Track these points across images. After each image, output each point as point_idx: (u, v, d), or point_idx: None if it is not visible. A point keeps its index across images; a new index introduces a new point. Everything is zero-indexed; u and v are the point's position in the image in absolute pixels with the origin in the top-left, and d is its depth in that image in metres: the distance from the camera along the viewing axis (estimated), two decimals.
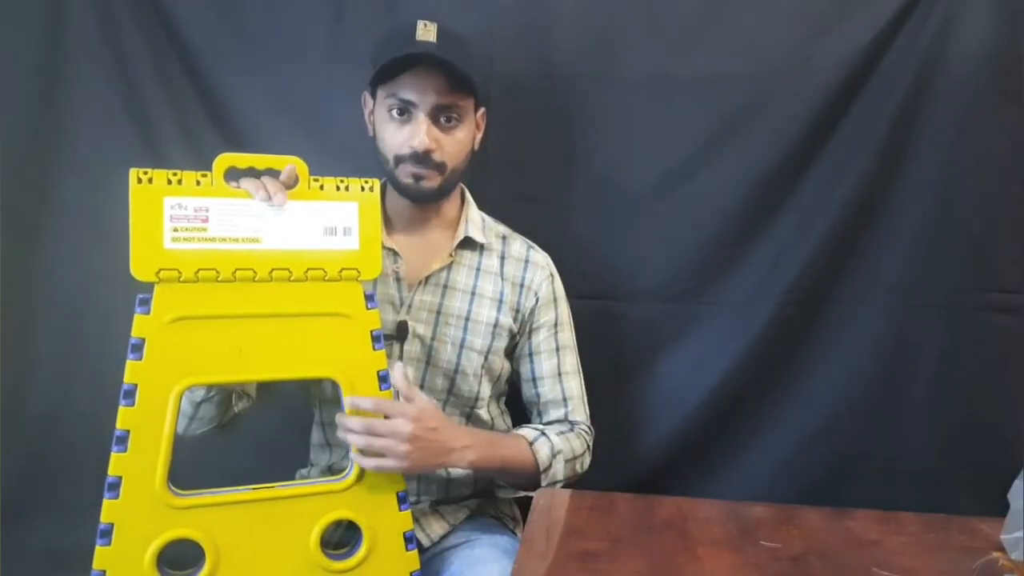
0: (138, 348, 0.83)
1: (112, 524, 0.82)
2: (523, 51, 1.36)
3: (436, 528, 1.14)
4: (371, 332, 0.93)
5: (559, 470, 1.12)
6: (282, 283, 0.88)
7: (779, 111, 1.33)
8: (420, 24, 1.08)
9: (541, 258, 1.22)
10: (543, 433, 1.13)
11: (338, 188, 0.94)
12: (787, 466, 1.39)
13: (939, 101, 1.31)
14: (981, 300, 1.34)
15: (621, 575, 0.82)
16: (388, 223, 1.16)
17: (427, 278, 1.14)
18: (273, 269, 0.88)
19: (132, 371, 0.83)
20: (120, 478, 0.82)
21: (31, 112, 1.36)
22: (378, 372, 0.93)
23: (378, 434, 0.92)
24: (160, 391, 0.84)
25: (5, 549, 1.33)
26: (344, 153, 1.34)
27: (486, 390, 1.18)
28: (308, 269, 0.89)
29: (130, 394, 0.83)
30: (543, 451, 1.11)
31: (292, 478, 1.17)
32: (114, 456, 0.82)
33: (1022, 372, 1.33)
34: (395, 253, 1.14)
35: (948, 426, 1.36)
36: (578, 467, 1.16)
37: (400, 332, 1.12)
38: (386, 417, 0.93)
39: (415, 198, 1.13)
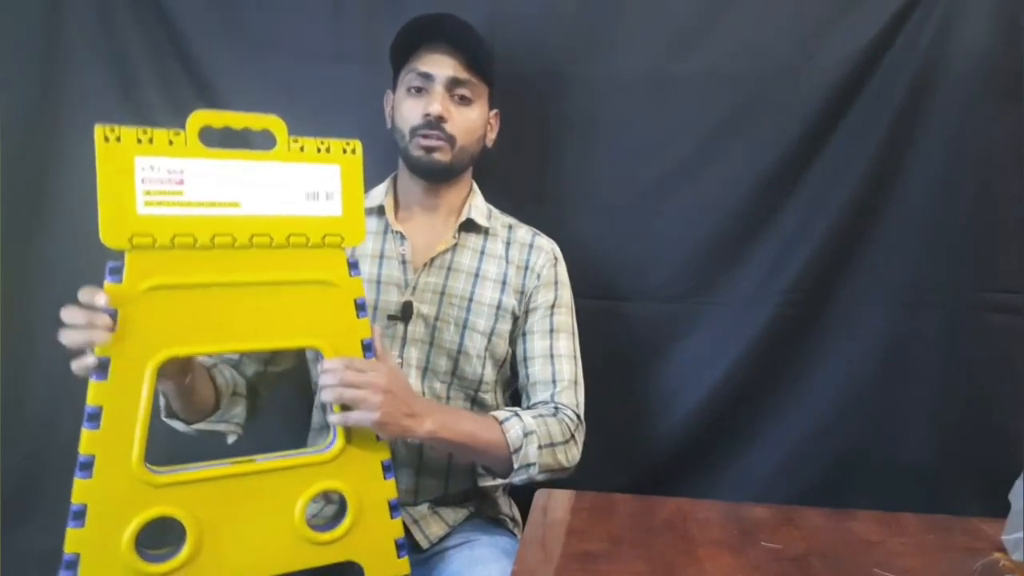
0: (111, 318, 0.78)
1: (85, 505, 0.77)
2: (523, 51, 1.36)
3: (435, 529, 1.14)
4: (355, 300, 0.90)
5: (531, 453, 1.05)
6: (263, 250, 0.84)
7: (779, 111, 1.33)
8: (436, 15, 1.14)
9: (546, 243, 1.23)
10: (516, 414, 1.08)
11: (319, 150, 0.89)
12: (788, 466, 1.39)
13: (939, 101, 1.31)
14: (981, 300, 1.34)
15: None
16: (397, 207, 1.21)
17: (432, 260, 1.16)
18: (253, 235, 0.84)
19: (104, 345, 0.78)
20: (93, 456, 0.78)
21: (31, 112, 1.36)
22: (362, 341, 0.90)
23: (352, 385, 0.89)
24: (135, 364, 0.79)
25: (5, 549, 1.33)
26: None
27: (490, 374, 1.18)
28: (290, 235, 0.86)
29: (102, 368, 0.78)
30: (513, 430, 1.05)
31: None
32: (85, 433, 0.78)
33: (1022, 372, 1.33)
34: (402, 236, 1.17)
35: (949, 426, 1.36)
36: (560, 456, 1.08)
37: (405, 312, 1.14)
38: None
39: (426, 171, 1.15)
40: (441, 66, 1.12)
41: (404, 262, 1.16)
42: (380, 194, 1.20)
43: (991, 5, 1.28)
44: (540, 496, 1.03)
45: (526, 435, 1.06)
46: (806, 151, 1.34)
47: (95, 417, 0.78)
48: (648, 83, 1.35)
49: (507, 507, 1.25)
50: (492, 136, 1.23)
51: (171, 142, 0.83)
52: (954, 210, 1.33)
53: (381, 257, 1.17)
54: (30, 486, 1.37)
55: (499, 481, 1.11)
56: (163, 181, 0.81)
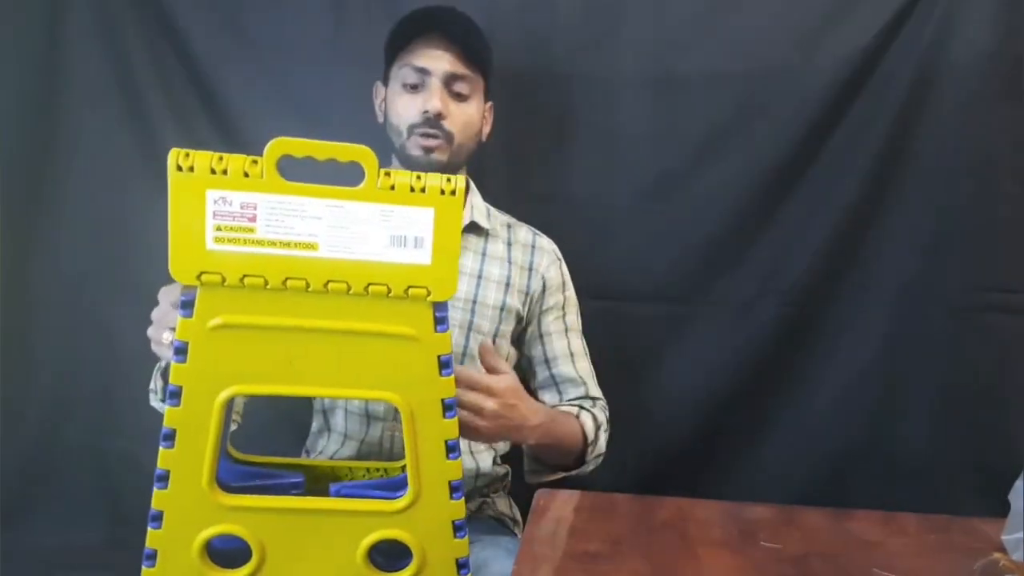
0: (182, 351, 0.77)
1: (162, 511, 0.80)
2: (523, 51, 1.36)
3: None
4: (439, 357, 0.81)
5: (602, 443, 1.14)
6: (339, 296, 0.78)
7: (779, 111, 1.33)
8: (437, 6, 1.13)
9: (547, 243, 1.24)
10: (584, 407, 1.15)
11: (412, 188, 0.79)
12: (787, 466, 1.39)
13: (939, 101, 1.31)
14: (982, 300, 1.34)
15: None
16: None
17: None
18: (329, 281, 0.77)
19: (176, 373, 0.78)
20: (168, 471, 0.79)
21: (31, 112, 1.36)
22: (443, 400, 0.82)
23: (460, 406, 0.90)
24: (205, 395, 0.79)
25: (4, 549, 1.33)
26: None
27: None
28: (369, 284, 0.78)
29: (175, 395, 0.78)
30: (588, 424, 1.12)
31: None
32: (162, 451, 0.79)
33: (1022, 372, 1.33)
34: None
35: (949, 426, 1.36)
36: (602, 444, 1.17)
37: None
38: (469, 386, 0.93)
39: (424, 170, 1.13)
40: (438, 60, 1.10)
41: None
42: None
43: (991, 5, 1.28)
44: (540, 496, 1.03)
45: (598, 427, 1.13)
46: (806, 151, 1.35)
47: (170, 437, 0.79)
48: (648, 83, 1.35)
49: (507, 507, 1.25)
50: (487, 130, 1.22)
51: (247, 173, 0.77)
52: (954, 210, 1.33)
53: None
54: (30, 487, 1.37)
55: (558, 475, 1.15)
56: (235, 216, 0.77)
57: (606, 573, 0.83)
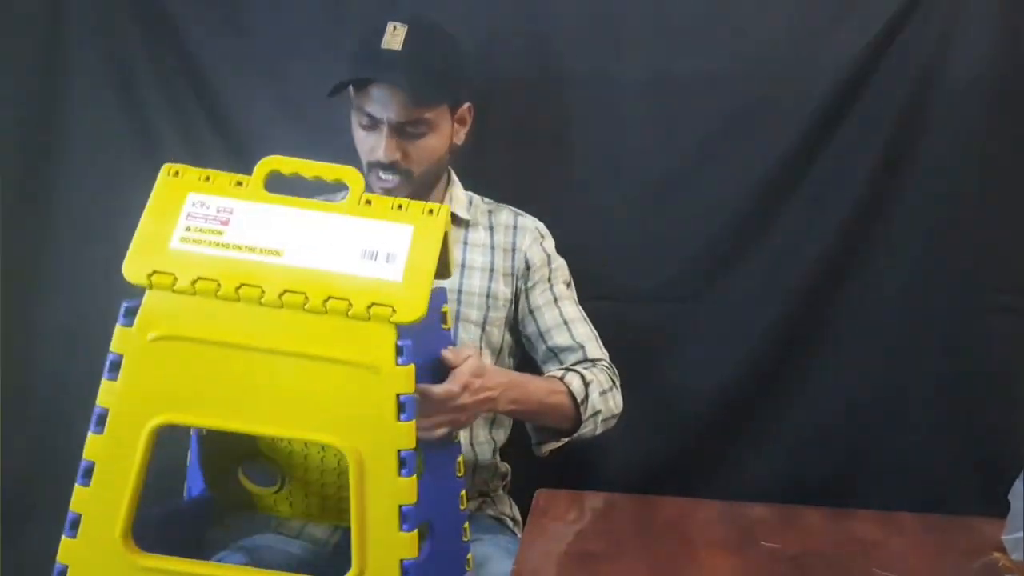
0: (115, 366, 0.69)
1: (66, 567, 0.70)
2: (523, 51, 1.36)
3: None
4: (398, 396, 0.70)
5: (596, 400, 1.10)
6: (294, 312, 0.69)
7: (780, 111, 1.33)
8: (390, 27, 1.09)
9: (530, 223, 1.23)
10: (569, 369, 1.13)
11: (393, 207, 0.75)
12: (788, 466, 1.38)
13: (939, 101, 1.31)
14: (983, 300, 1.34)
15: None
16: None
17: None
18: (286, 291, 0.69)
19: (105, 392, 0.70)
20: (80, 516, 0.70)
21: (31, 112, 1.36)
22: (399, 452, 0.70)
23: (437, 419, 0.86)
24: (132, 423, 0.69)
25: (6, 551, 1.33)
26: (344, 153, 1.34)
27: (488, 363, 1.17)
28: (329, 297, 0.69)
29: (101, 419, 0.69)
30: (575, 383, 1.09)
31: None
32: (77, 488, 0.70)
33: (1022, 372, 1.33)
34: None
35: (949, 426, 1.36)
36: (611, 403, 1.13)
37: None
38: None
39: None
40: (386, 107, 1.08)
41: None
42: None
43: (992, 6, 1.28)
44: (540, 496, 1.03)
45: (587, 384, 1.10)
46: (807, 151, 1.34)
47: (88, 473, 0.70)
48: (648, 83, 1.35)
49: (508, 507, 1.25)
50: (463, 132, 1.20)
51: (238, 183, 0.75)
52: (955, 210, 1.33)
53: None
54: (32, 488, 1.37)
55: (563, 441, 1.12)
56: (208, 218, 0.72)
57: (606, 573, 0.83)
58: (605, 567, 0.84)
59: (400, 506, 0.69)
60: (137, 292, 0.72)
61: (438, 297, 0.84)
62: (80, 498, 0.70)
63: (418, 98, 1.08)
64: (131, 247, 0.71)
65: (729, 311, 1.38)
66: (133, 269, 0.70)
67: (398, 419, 0.69)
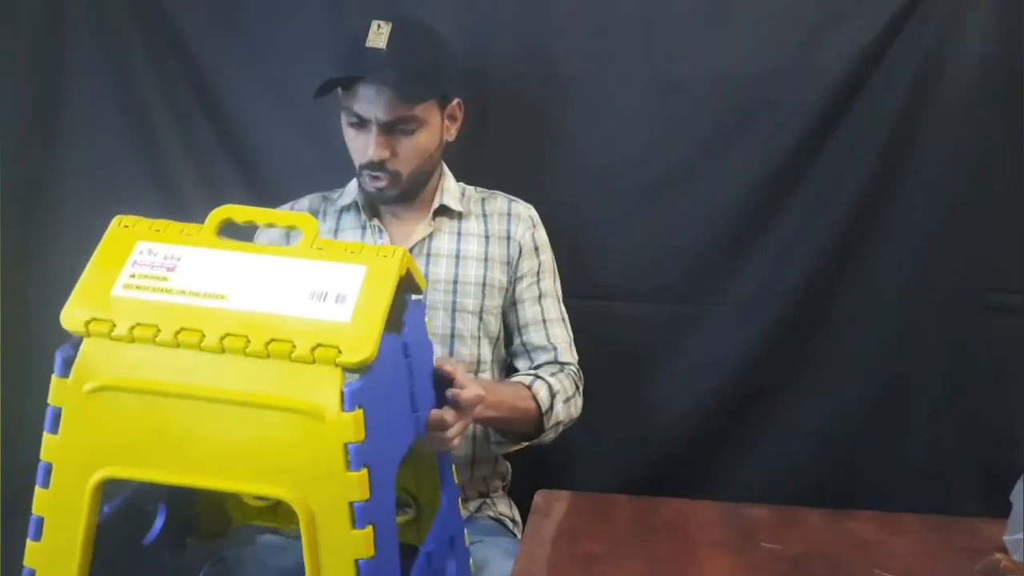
0: (55, 419, 0.66)
1: None
2: (523, 52, 1.36)
3: None
4: (345, 445, 0.65)
5: (560, 411, 1.13)
6: (235, 356, 0.65)
7: (779, 111, 1.33)
8: (374, 26, 1.09)
9: (523, 210, 1.24)
10: (538, 376, 1.15)
11: (347, 251, 0.72)
12: (788, 467, 1.39)
13: (939, 101, 1.31)
14: (983, 300, 1.34)
15: None
16: (371, 205, 1.20)
17: (410, 250, 1.16)
18: (227, 334, 0.65)
19: (47, 446, 0.67)
20: (33, 571, 0.68)
21: (31, 112, 1.36)
22: (352, 504, 0.65)
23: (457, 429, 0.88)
24: (75, 478, 0.66)
25: (5, 551, 1.32)
26: (340, 148, 1.34)
27: (487, 353, 1.19)
28: (271, 340, 0.65)
29: (46, 474, 0.67)
30: (542, 393, 1.12)
31: None
32: (29, 544, 0.68)
33: (1022, 372, 1.33)
34: (380, 230, 1.18)
35: (950, 427, 1.36)
36: (572, 410, 1.17)
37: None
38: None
39: (380, 202, 1.18)
40: (373, 106, 1.08)
41: None
42: (353, 190, 1.21)
43: (991, 5, 1.28)
44: (540, 497, 1.03)
45: (553, 395, 1.13)
46: (806, 151, 1.34)
47: (38, 528, 0.68)
48: (648, 84, 1.35)
49: (507, 507, 1.24)
50: (454, 128, 1.21)
51: (183, 232, 0.72)
52: (954, 210, 1.33)
53: None
54: (31, 485, 1.37)
55: (522, 445, 1.16)
56: (154, 265, 0.69)
57: (606, 573, 0.83)
58: (605, 568, 0.84)
59: (356, 560, 0.65)
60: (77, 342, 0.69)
61: (421, 307, 0.82)
62: (33, 553, 0.68)
63: (404, 95, 1.08)
64: (72, 296, 0.68)
65: (729, 311, 1.38)
66: (70, 317, 0.67)
67: (347, 470, 0.64)
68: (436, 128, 1.16)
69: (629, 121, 1.36)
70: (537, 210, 1.29)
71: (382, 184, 1.13)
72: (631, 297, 1.40)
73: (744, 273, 1.38)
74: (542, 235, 1.24)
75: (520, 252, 1.21)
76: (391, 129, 1.10)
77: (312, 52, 1.37)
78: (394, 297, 0.70)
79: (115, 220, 0.72)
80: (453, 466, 0.90)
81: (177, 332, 0.66)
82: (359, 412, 0.64)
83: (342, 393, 0.64)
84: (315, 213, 1.22)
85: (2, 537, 1.33)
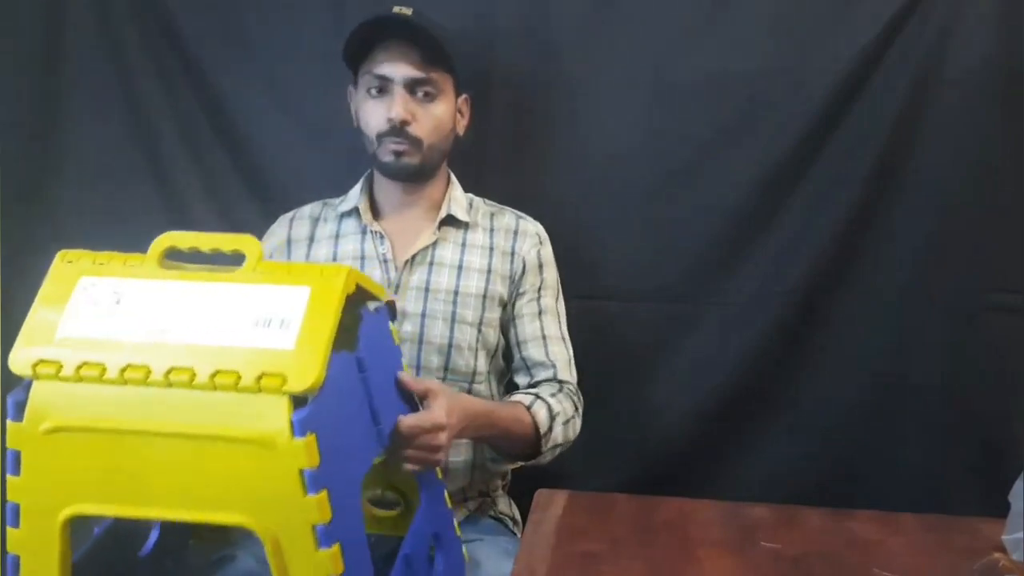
0: (15, 461, 0.67)
1: None
2: (523, 51, 1.36)
3: None
4: (300, 471, 0.65)
5: (558, 433, 1.12)
6: (182, 389, 0.66)
7: (780, 111, 1.33)
8: (395, 8, 1.12)
9: (531, 227, 1.24)
10: (538, 397, 1.14)
11: (287, 272, 0.72)
12: (788, 467, 1.39)
13: (939, 101, 1.31)
14: (982, 300, 1.34)
15: None
16: (376, 208, 1.20)
17: (413, 257, 1.16)
18: (172, 369, 0.65)
19: (12, 488, 0.68)
20: None
21: (31, 113, 1.36)
22: (314, 527, 0.65)
23: (415, 460, 0.86)
24: (45, 516, 0.67)
25: (5, 551, 1.32)
26: (344, 153, 1.34)
27: (483, 364, 1.18)
28: (217, 371, 0.65)
29: (15, 514, 0.68)
30: (541, 414, 1.11)
31: None
32: None
33: (1022, 372, 1.33)
34: (381, 236, 1.17)
35: (949, 426, 1.36)
36: (571, 432, 1.16)
37: (390, 312, 1.13)
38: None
39: (397, 176, 1.16)
40: (398, 67, 1.10)
41: (385, 261, 1.16)
42: (355, 196, 1.20)
43: (991, 5, 1.28)
44: (540, 496, 1.03)
45: (553, 418, 1.11)
46: (806, 152, 1.34)
47: (15, 567, 0.68)
48: (648, 84, 1.35)
49: (507, 507, 1.25)
50: (464, 123, 1.22)
51: (126, 263, 0.72)
52: (954, 210, 1.33)
53: (362, 258, 1.16)
54: None
55: (518, 464, 1.16)
56: (97, 302, 0.69)
57: (606, 573, 0.83)
58: (604, 567, 0.84)
59: None
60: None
61: (382, 316, 0.83)
62: None
63: (429, 54, 1.10)
64: (18, 338, 0.69)
65: (729, 311, 1.38)
66: (18, 361, 0.67)
67: (306, 494, 0.65)
68: (451, 107, 1.17)
69: (629, 121, 1.36)
70: (537, 210, 1.29)
71: (402, 149, 1.12)
72: (631, 297, 1.40)
73: (744, 273, 1.38)
74: (548, 253, 1.23)
75: (524, 268, 1.20)
76: (413, 91, 1.11)
77: (312, 52, 1.37)
78: (344, 314, 0.69)
79: (58, 255, 0.72)
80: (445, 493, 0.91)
81: (123, 369, 0.66)
82: (311, 437, 0.64)
83: (291, 422, 0.64)
84: (315, 219, 1.22)
85: (1, 537, 1.34)
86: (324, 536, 0.65)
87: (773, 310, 1.37)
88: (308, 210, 1.23)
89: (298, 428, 0.64)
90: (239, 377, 0.65)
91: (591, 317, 1.34)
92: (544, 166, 1.40)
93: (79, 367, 0.66)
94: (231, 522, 0.68)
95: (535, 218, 1.27)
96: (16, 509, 0.67)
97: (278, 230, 1.22)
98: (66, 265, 0.71)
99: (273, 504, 0.66)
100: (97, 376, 0.66)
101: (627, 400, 1.41)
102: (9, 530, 0.68)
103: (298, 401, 0.66)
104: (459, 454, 1.15)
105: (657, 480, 1.38)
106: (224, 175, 1.41)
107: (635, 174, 1.38)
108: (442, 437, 0.88)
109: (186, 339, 0.67)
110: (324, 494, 0.65)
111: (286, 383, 0.64)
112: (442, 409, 0.89)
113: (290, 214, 1.23)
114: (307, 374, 0.65)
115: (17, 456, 0.67)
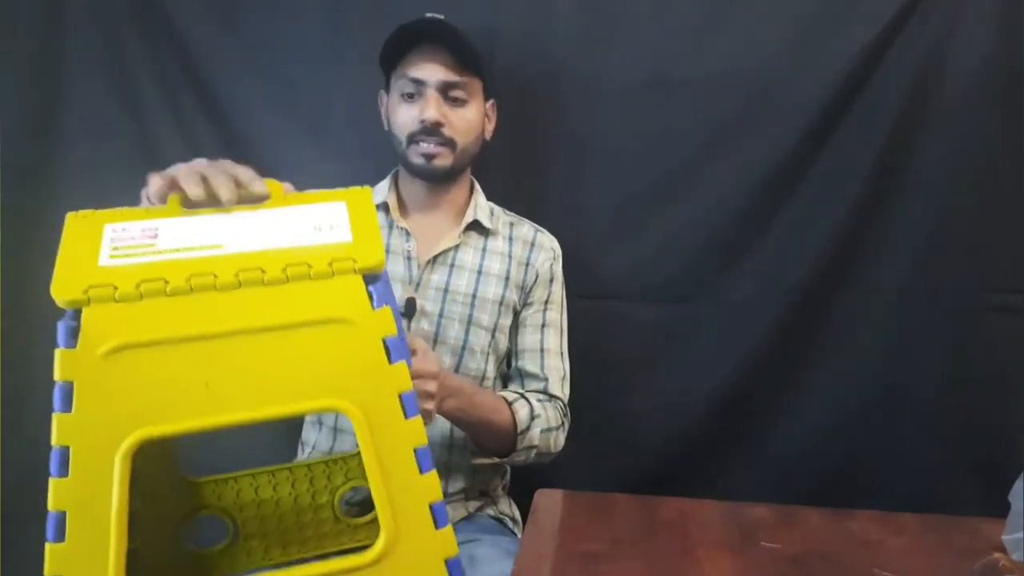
0: (66, 395, 0.61)
1: None
2: (524, 51, 1.36)
3: None
4: (384, 340, 0.67)
5: (535, 435, 1.13)
6: (255, 288, 0.66)
7: (780, 111, 1.33)
8: (427, 13, 1.15)
9: (548, 241, 1.25)
10: (523, 396, 1.15)
11: (316, 194, 0.76)
12: (788, 466, 1.39)
13: (939, 101, 1.31)
14: (982, 300, 1.34)
15: None
16: (402, 206, 1.21)
17: (435, 257, 1.17)
18: (240, 270, 0.66)
19: (61, 428, 0.61)
20: None
21: (31, 114, 1.36)
22: (400, 395, 0.67)
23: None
24: (102, 452, 0.60)
25: (5, 550, 1.33)
26: (344, 153, 1.34)
27: (492, 369, 1.20)
28: (287, 266, 0.67)
29: (62, 461, 0.60)
30: (522, 412, 1.13)
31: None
32: (50, 548, 0.59)
33: (1022, 372, 1.33)
34: (407, 233, 1.18)
35: (949, 426, 1.36)
36: (551, 442, 1.16)
37: (408, 308, 1.15)
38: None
39: (428, 177, 1.17)
40: (432, 70, 1.12)
41: (409, 258, 1.17)
42: (383, 191, 1.21)
43: (991, 6, 1.28)
44: (540, 496, 1.03)
45: (533, 418, 1.13)
46: (806, 152, 1.34)
47: (59, 526, 0.60)
48: (648, 84, 1.35)
49: (507, 507, 1.25)
50: (491, 127, 1.24)
51: (148, 211, 0.71)
52: (954, 210, 1.33)
53: (387, 252, 1.17)
54: (31, 487, 1.37)
55: (494, 460, 1.17)
56: (134, 238, 0.68)
57: (606, 573, 0.83)
58: (604, 566, 0.84)
59: (415, 449, 0.66)
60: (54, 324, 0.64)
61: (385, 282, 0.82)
62: (56, 559, 0.59)
63: (461, 58, 1.12)
64: (55, 275, 0.64)
65: (729, 311, 1.38)
66: (63, 289, 0.63)
67: (390, 362, 0.67)
68: (481, 112, 1.19)
69: (629, 121, 1.37)
70: (538, 210, 1.29)
71: (434, 150, 1.13)
72: (631, 297, 1.40)
73: (744, 274, 1.38)
74: (559, 269, 1.25)
75: (536, 280, 1.22)
76: (445, 94, 1.13)
77: (312, 52, 1.38)
78: None
79: (68, 216, 0.69)
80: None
81: (188, 279, 0.65)
82: (388, 308, 0.68)
83: (369, 294, 0.67)
84: None
85: (2, 537, 1.34)
86: (410, 404, 0.67)
87: (773, 310, 1.37)
88: None
89: (376, 299, 0.67)
90: (310, 266, 0.67)
91: (591, 317, 1.34)
92: (544, 166, 1.40)
93: (138, 284, 0.64)
94: (320, 408, 0.69)
95: (535, 218, 1.27)
96: (63, 454, 0.60)
97: None
98: (81, 219, 0.69)
99: (360, 380, 0.67)
100: (160, 290, 0.64)
101: (627, 399, 1.41)
102: (53, 482, 0.60)
103: (366, 281, 0.69)
104: (459, 456, 1.16)
105: (657, 480, 1.38)
106: None
107: (635, 174, 1.38)
108: (433, 386, 0.90)
109: (243, 249, 0.68)
110: (403, 363, 0.67)
111: (357, 263, 0.68)
112: (434, 362, 0.92)
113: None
114: (373, 253, 0.69)
115: (68, 389, 0.61)
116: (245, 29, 1.38)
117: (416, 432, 0.67)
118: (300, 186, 1.31)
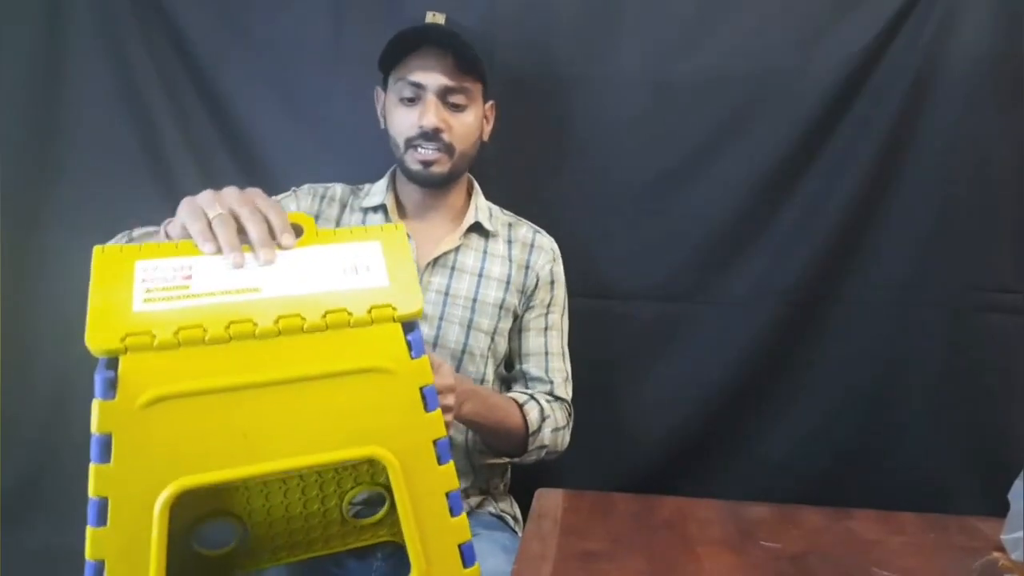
0: (104, 447, 0.60)
1: None
2: (523, 51, 1.36)
3: None
4: (421, 389, 0.68)
5: (546, 435, 1.15)
6: (294, 336, 0.66)
7: (779, 111, 1.33)
8: (429, 14, 1.13)
9: (547, 242, 1.24)
10: (532, 397, 1.16)
11: (349, 232, 0.75)
12: (787, 466, 1.39)
13: (939, 101, 1.31)
14: (981, 300, 1.34)
15: (621, 575, 0.82)
16: (400, 208, 1.20)
17: (435, 260, 1.17)
18: (280, 317, 0.65)
19: (99, 479, 0.60)
20: None
21: (31, 113, 1.36)
22: (435, 441, 0.68)
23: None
24: (141, 503, 0.60)
25: (5, 550, 1.33)
26: (345, 153, 1.34)
27: (491, 372, 1.19)
28: (326, 312, 0.66)
29: (100, 511, 0.60)
30: (533, 413, 1.14)
31: None
32: None
33: (1022, 372, 1.33)
34: (408, 236, 1.16)
35: (948, 426, 1.36)
36: (559, 441, 1.18)
37: None
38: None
39: (425, 184, 1.16)
40: (431, 75, 1.10)
41: None
42: (381, 192, 1.20)
43: (991, 5, 1.28)
44: (541, 495, 1.03)
45: (544, 419, 1.14)
46: (806, 151, 1.35)
47: (98, 575, 0.60)
48: (648, 84, 1.35)
49: (508, 505, 1.25)
50: (488, 129, 1.23)
51: (177, 247, 0.70)
52: (954, 210, 1.33)
53: None
54: (30, 487, 1.37)
55: (504, 460, 1.17)
56: (167, 279, 0.66)
57: (606, 572, 0.83)
58: (605, 566, 0.84)
59: (447, 493, 0.68)
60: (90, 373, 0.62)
61: None
62: None
63: (462, 63, 1.10)
64: (89, 322, 0.63)
65: (728, 311, 1.38)
66: (99, 339, 0.61)
67: (426, 410, 0.68)
68: (480, 115, 1.17)
69: (628, 121, 1.37)
70: (537, 210, 1.29)
71: (433, 156, 1.12)
72: (631, 297, 1.40)
73: (743, 272, 1.38)
74: (560, 269, 1.25)
75: (537, 283, 1.21)
76: (445, 100, 1.11)
77: (312, 52, 1.38)
78: None
79: (95, 250, 0.68)
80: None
81: (227, 327, 0.64)
82: (426, 357, 0.68)
83: (408, 343, 0.68)
84: (343, 204, 1.21)
85: (2, 537, 1.34)
86: (443, 451, 0.68)
87: (773, 309, 1.37)
88: (339, 193, 1.22)
89: (415, 348, 0.68)
90: (349, 313, 0.67)
91: (591, 316, 1.34)
92: (543, 166, 1.40)
93: (176, 332, 0.63)
94: (357, 457, 0.68)
95: (535, 218, 1.27)
96: (102, 505, 0.60)
97: (305, 199, 1.20)
98: (109, 255, 0.67)
99: (397, 429, 0.67)
100: (199, 338, 0.63)
101: (627, 399, 1.41)
102: (90, 532, 0.60)
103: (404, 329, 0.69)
104: (458, 457, 1.16)
105: (657, 478, 1.39)
106: (225, 174, 1.40)
107: (635, 173, 1.38)
108: (451, 399, 0.91)
109: (280, 293, 0.67)
110: (439, 411, 0.68)
111: (396, 311, 0.68)
112: (450, 374, 0.92)
113: (319, 189, 1.22)
114: (413, 301, 0.69)
115: (107, 440, 0.60)
116: (247, 29, 1.38)
117: (448, 477, 0.68)
118: (301, 183, 1.31)
